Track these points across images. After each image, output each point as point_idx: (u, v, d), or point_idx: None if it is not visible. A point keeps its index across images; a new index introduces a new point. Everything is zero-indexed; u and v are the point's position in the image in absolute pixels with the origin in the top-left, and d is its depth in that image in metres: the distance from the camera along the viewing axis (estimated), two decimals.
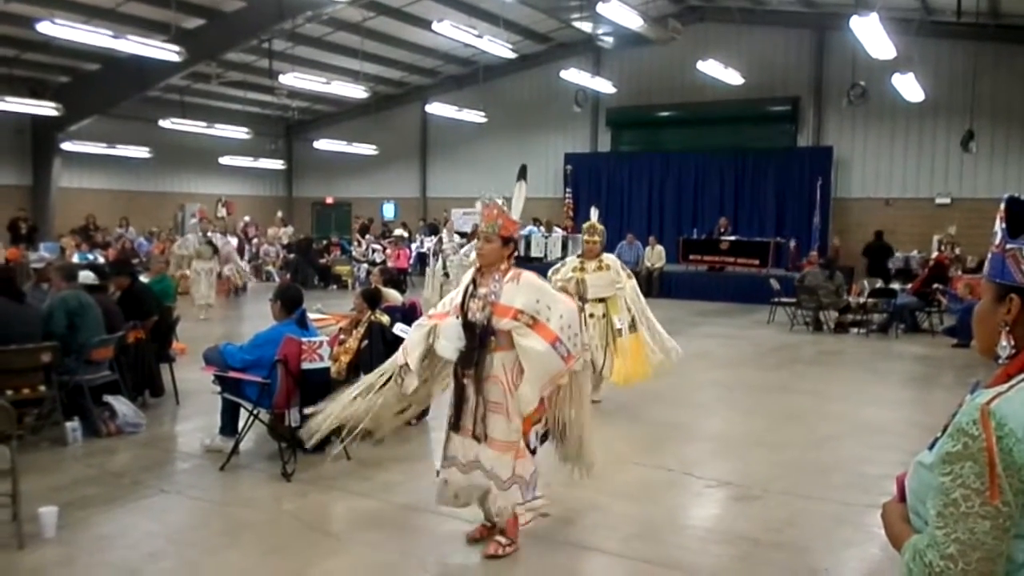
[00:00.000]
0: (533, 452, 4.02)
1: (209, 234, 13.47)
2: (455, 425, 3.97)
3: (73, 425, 6.02)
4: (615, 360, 7.17)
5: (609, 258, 7.51)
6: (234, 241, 17.65)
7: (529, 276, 3.86)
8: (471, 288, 3.89)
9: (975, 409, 1.37)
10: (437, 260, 12.78)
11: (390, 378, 4.08)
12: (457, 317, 3.90)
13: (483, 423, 3.86)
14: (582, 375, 4.03)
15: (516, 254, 4.04)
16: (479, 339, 3.79)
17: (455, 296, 4.11)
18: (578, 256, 7.65)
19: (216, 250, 13.29)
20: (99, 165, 21.23)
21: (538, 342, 3.71)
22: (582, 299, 7.04)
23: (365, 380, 4.25)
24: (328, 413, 4.14)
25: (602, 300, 7.24)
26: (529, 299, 3.75)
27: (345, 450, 5.73)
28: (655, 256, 18.03)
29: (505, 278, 3.81)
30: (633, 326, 7.26)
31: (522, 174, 4.19)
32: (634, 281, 7.56)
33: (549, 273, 7.47)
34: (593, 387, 7.19)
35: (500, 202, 3.91)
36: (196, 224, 13.92)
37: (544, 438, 4.11)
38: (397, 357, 4.12)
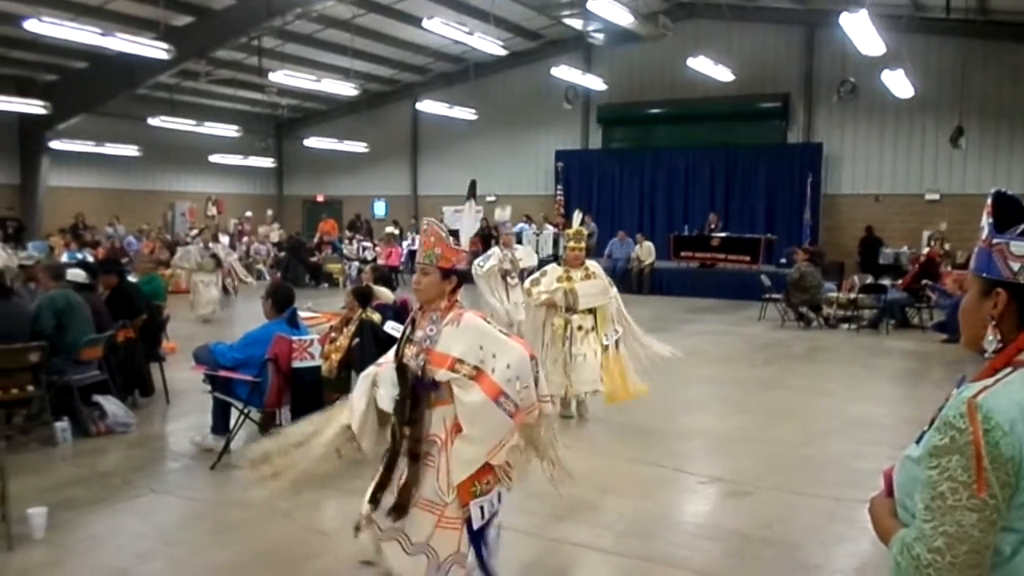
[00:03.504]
0: (473, 538, 3.15)
1: (211, 245, 13.31)
2: (373, 497, 3.21)
3: (62, 425, 5.99)
4: (605, 376, 6.69)
5: (593, 265, 6.99)
6: (225, 239, 17.57)
7: (471, 318, 3.20)
8: (409, 330, 3.30)
9: (962, 403, 1.38)
10: None
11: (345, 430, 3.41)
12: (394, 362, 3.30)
13: (414, 488, 3.15)
14: (539, 428, 3.30)
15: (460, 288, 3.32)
16: (412, 390, 3.17)
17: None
18: (559, 263, 7.08)
19: (219, 262, 13.16)
20: (88, 164, 21.13)
21: (478, 395, 3.06)
22: (570, 310, 6.74)
23: (311, 425, 3.51)
24: (264, 455, 3.44)
25: (591, 311, 6.76)
26: (470, 345, 3.10)
27: (337, 448, 5.73)
28: (644, 252, 18.07)
29: (444, 320, 3.17)
30: (618, 344, 6.77)
31: (471, 192, 3.65)
32: (615, 290, 7.03)
33: (527, 284, 7.10)
34: (582, 404, 6.90)
35: (442, 229, 3.26)
36: (197, 236, 13.74)
37: None
38: (345, 412, 3.45)
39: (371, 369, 3.42)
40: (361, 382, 3.43)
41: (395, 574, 3.18)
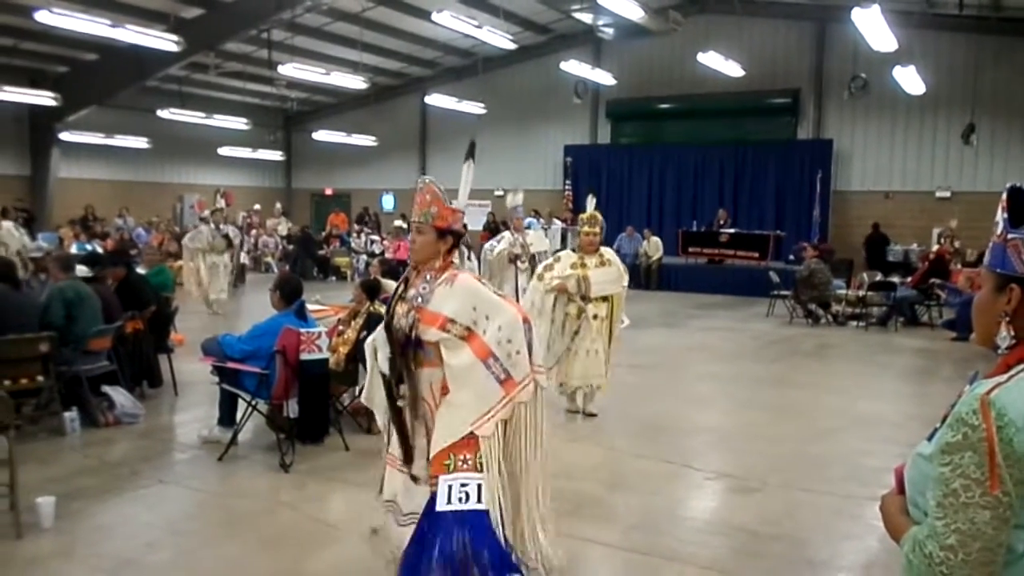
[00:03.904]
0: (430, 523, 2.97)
1: (222, 227, 13.29)
2: (407, 456, 3.16)
3: (71, 415, 6.01)
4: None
5: (608, 252, 6.84)
6: (233, 230, 17.57)
7: (466, 279, 3.11)
8: (402, 288, 3.22)
9: (975, 399, 1.37)
10: None
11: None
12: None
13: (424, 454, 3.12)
14: (532, 409, 3.04)
15: (457, 249, 3.27)
16: (401, 349, 3.10)
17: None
18: (574, 250, 6.94)
19: (230, 243, 13.15)
20: (98, 155, 21.17)
21: (467, 356, 2.96)
22: (584, 299, 6.62)
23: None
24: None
25: (605, 299, 6.65)
26: (463, 305, 2.99)
27: (344, 441, 5.75)
28: (652, 247, 18.06)
29: (438, 280, 3.09)
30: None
31: (470, 153, 3.57)
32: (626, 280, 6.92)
33: (539, 269, 6.95)
34: (588, 398, 6.82)
35: (439, 187, 3.21)
36: (208, 216, 13.70)
37: None
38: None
39: (372, 335, 3.37)
40: (367, 350, 3.38)
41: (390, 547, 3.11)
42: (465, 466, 2.91)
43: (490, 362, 2.94)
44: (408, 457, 3.15)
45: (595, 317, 6.64)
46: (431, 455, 2.99)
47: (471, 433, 2.93)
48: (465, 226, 3.42)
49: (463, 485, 2.88)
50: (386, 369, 3.16)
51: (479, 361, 2.94)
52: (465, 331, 2.98)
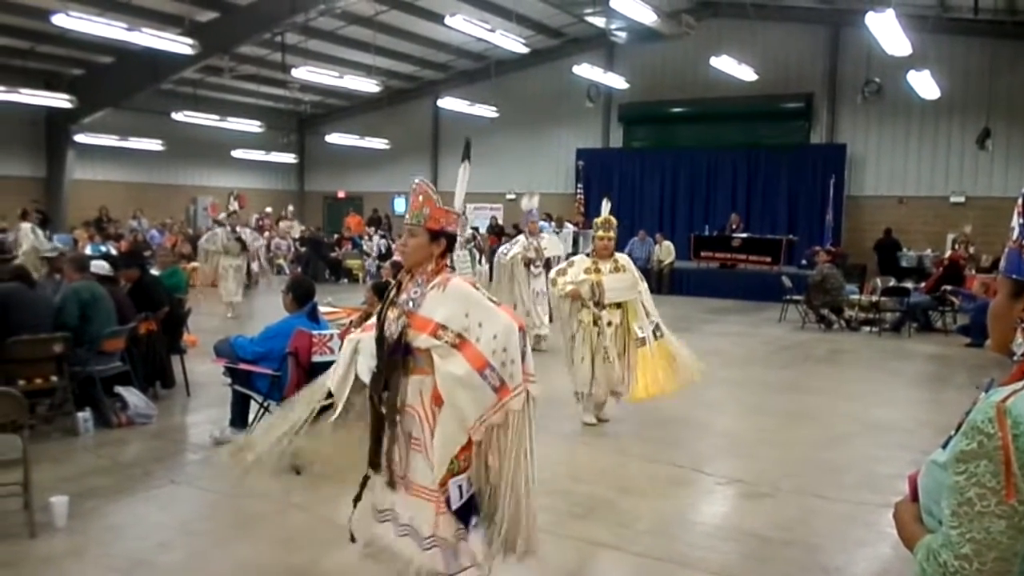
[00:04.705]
0: (457, 515, 3.01)
1: (238, 229, 13.35)
2: (375, 462, 3.16)
3: (85, 416, 6.05)
4: (635, 374, 6.37)
5: (623, 258, 6.69)
6: (247, 232, 17.63)
7: (459, 284, 3.02)
8: (393, 293, 3.14)
9: (990, 407, 1.35)
10: None
11: (324, 409, 3.31)
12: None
13: (401, 463, 3.10)
14: (522, 417, 2.97)
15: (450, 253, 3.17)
16: (389, 356, 3.02)
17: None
18: (588, 255, 6.75)
19: (245, 246, 13.21)
20: (112, 157, 21.31)
21: (460, 366, 2.89)
22: (598, 304, 6.52)
23: (289, 417, 3.39)
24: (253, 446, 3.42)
25: (619, 305, 6.50)
26: (455, 311, 2.93)
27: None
28: (664, 252, 18.03)
29: (430, 284, 3.01)
30: (657, 331, 6.43)
31: (466, 153, 3.48)
32: (645, 284, 6.74)
33: (552, 274, 6.88)
34: (597, 405, 6.71)
35: (432, 188, 3.09)
36: (224, 219, 13.74)
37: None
38: (322, 381, 3.38)
39: (356, 335, 3.32)
40: (345, 346, 3.33)
41: (413, 568, 3.06)
42: (466, 464, 2.99)
43: (487, 372, 2.89)
44: (376, 464, 3.16)
45: (609, 324, 6.50)
46: (435, 468, 2.97)
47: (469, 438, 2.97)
48: (476, 229, 3.43)
49: (459, 486, 2.98)
50: (366, 379, 3.12)
51: (475, 372, 2.89)
52: (457, 338, 2.92)
